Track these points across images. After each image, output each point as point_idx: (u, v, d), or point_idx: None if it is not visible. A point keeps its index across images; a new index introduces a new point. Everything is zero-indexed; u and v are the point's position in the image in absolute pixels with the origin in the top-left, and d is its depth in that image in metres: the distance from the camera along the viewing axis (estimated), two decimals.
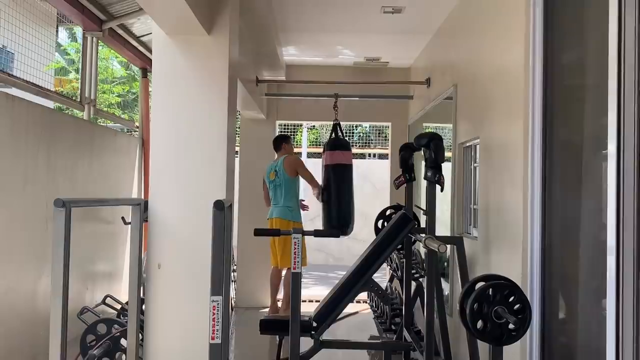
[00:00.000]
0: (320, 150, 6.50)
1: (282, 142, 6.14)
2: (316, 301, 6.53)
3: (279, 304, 6.11)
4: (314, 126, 13.56)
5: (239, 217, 6.87)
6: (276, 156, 6.10)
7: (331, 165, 5.66)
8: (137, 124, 7.10)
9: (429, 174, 3.40)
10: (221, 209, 2.28)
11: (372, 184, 11.12)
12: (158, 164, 3.48)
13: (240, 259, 6.91)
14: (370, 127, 13.47)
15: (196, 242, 3.34)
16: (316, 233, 3.25)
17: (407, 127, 6.87)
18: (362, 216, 10.97)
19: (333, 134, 5.88)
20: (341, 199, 5.67)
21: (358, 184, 11.19)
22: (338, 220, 5.69)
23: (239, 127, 7.20)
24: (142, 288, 3.42)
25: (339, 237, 3.54)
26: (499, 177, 3.52)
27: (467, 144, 4.41)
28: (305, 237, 4.33)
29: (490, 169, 3.73)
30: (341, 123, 5.99)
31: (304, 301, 6.95)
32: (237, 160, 6.97)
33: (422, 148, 3.54)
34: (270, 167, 6.03)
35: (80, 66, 5.69)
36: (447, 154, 4.50)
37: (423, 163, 3.94)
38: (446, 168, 4.06)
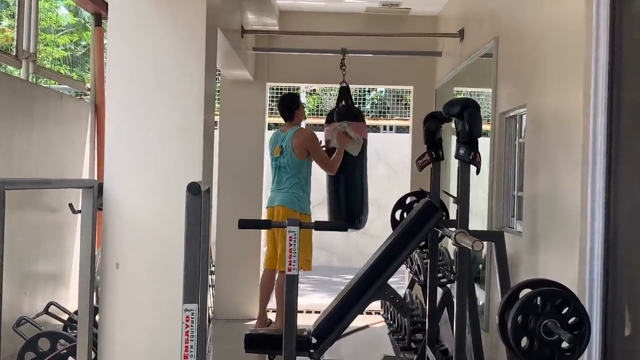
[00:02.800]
0: (323, 121, 6.47)
1: (295, 105, 5.84)
2: (316, 312, 6.55)
3: (269, 315, 6.13)
4: (314, 90, 13.55)
5: (218, 205, 6.87)
6: (284, 125, 5.86)
7: None
8: (88, 85, 7.08)
9: (461, 151, 3.40)
10: (197, 193, 2.28)
11: (388, 165, 11.13)
12: (116, 137, 3.48)
13: (219, 259, 6.94)
14: (386, 92, 13.44)
15: (165, 236, 3.35)
16: (318, 225, 3.25)
17: (433, 92, 6.85)
18: (375, 206, 11.02)
19: (341, 101, 5.86)
20: (351, 183, 5.68)
21: (370, 164, 11.21)
22: (348, 210, 5.70)
23: (218, 91, 7.18)
24: (95, 294, 3.43)
25: (346, 230, 3.55)
26: (551, 156, 3.52)
27: (511, 114, 4.40)
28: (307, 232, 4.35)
29: (539, 146, 3.72)
30: (350, 86, 5.97)
31: (301, 312, 6.96)
32: (215, 133, 6.96)
33: (453, 118, 3.53)
34: (275, 138, 5.82)
35: (16, 10, 5.65)
36: (485, 127, 4.49)
37: (454, 138, 3.92)
38: (483, 144, 4.05)
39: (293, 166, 5.62)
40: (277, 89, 10.45)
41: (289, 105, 5.86)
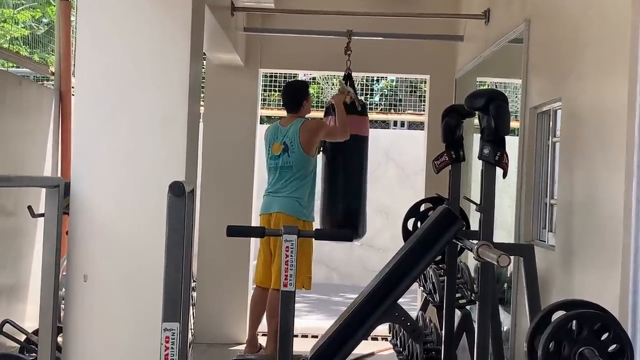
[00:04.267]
0: (322, 114, 6.47)
1: (304, 95, 5.83)
2: (313, 337, 6.55)
3: (260, 339, 6.13)
4: (314, 79, 13.55)
5: (201, 210, 6.88)
6: (286, 118, 5.84)
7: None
8: (52, 68, 7.09)
9: (485, 151, 3.41)
10: (180, 194, 2.30)
11: (399, 166, 11.14)
12: (85, 129, 3.49)
13: (201, 273, 6.94)
14: (398, 81, 13.46)
15: (142, 244, 3.37)
16: (319, 234, 3.26)
17: (453, 82, 6.86)
18: (382, 214, 11.11)
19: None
20: (350, 186, 5.69)
21: (378, 166, 11.31)
22: (345, 217, 5.71)
23: (203, 78, 7.18)
24: (59, 310, 3.43)
25: (351, 240, 3.56)
26: (589, 157, 3.53)
27: (544, 109, 4.41)
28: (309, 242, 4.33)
29: (576, 146, 3.73)
30: (354, 75, 5.97)
31: (296, 336, 6.96)
32: (200, 125, 6.97)
33: (477, 113, 3.54)
34: (274, 133, 5.77)
35: None
36: (513, 124, 4.50)
37: (477, 136, 3.93)
38: (511, 144, 4.06)
39: (300, 165, 5.58)
40: (272, 76, 10.45)
41: (298, 94, 5.84)
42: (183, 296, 2.43)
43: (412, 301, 7.49)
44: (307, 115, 5.97)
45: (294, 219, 5.46)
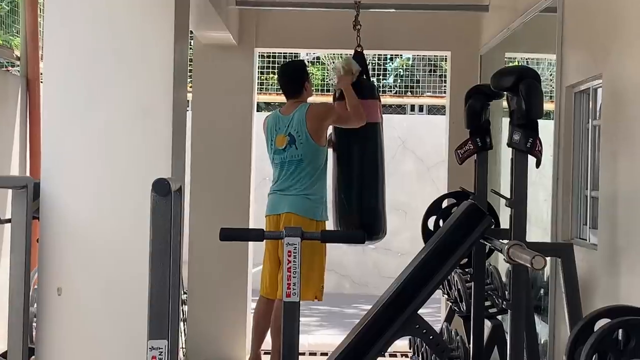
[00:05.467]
0: (330, 98, 6.45)
1: (304, 76, 5.82)
2: (322, 354, 6.57)
3: (263, 358, 6.14)
4: (318, 58, 13.53)
5: (191, 212, 6.89)
6: (287, 105, 5.83)
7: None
8: (17, 52, 7.10)
9: (516, 137, 3.41)
10: (165, 193, 2.31)
11: (418, 157, 11.15)
12: (56, 120, 3.49)
13: (193, 283, 6.95)
14: (415, 60, 13.44)
15: (123, 251, 3.37)
16: (325, 236, 3.27)
17: (477, 59, 6.86)
18: (400, 212, 11.08)
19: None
20: (364, 180, 5.69)
21: (393, 157, 11.29)
22: (360, 217, 5.71)
23: (191, 61, 7.19)
24: (30, 329, 3.44)
25: (363, 242, 3.56)
26: (636, 143, 3.53)
27: (582, 88, 4.41)
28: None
29: (621, 130, 3.73)
30: (366, 53, 5.97)
31: (303, 354, 6.96)
32: (188, 115, 6.97)
33: (505, 94, 3.54)
34: (275, 123, 5.73)
35: None
36: (547, 106, 4.50)
37: (506, 120, 3.93)
38: (545, 128, 4.05)
39: (310, 158, 5.55)
40: (269, 56, 10.44)
41: (297, 75, 5.81)
42: (171, 310, 2.44)
43: (435, 312, 7.50)
44: (309, 100, 5.95)
45: (307, 219, 5.45)
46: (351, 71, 5.70)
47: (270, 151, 5.77)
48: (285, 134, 5.62)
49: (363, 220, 5.72)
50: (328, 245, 5.66)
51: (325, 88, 13.55)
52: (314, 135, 5.55)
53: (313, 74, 13.05)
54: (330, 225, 5.89)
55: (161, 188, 2.31)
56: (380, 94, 6.50)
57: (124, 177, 3.42)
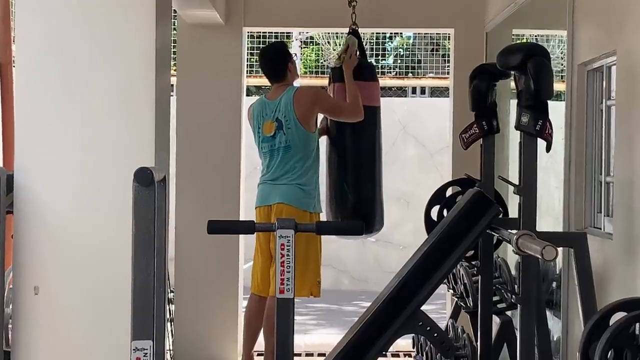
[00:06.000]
0: (325, 81, 6.44)
1: (286, 57, 5.83)
2: (320, 355, 6.57)
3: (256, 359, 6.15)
4: (311, 38, 13.52)
5: (177, 204, 6.89)
6: (272, 89, 5.84)
7: None
8: None
9: (524, 119, 3.41)
10: (148, 183, 2.31)
11: (420, 143, 11.15)
12: (30, 108, 3.48)
13: (180, 281, 6.96)
14: (416, 38, 13.43)
15: (104, 246, 3.37)
16: (321, 227, 3.27)
17: (483, 36, 6.85)
18: (401, 202, 11.08)
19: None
20: (360, 168, 5.70)
21: (393, 143, 11.27)
22: (358, 207, 5.72)
23: (174, 42, 7.18)
24: (6, 332, 3.43)
25: (361, 234, 3.56)
26: None
27: (595, 66, 4.41)
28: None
29: (637, 111, 3.73)
30: (362, 31, 5.96)
31: (299, 354, 6.96)
32: (172, 101, 6.95)
33: (512, 73, 3.53)
34: (262, 110, 5.73)
35: None
36: (558, 85, 4.50)
37: (514, 102, 3.92)
38: (556, 110, 4.05)
39: (300, 145, 5.54)
40: (259, 36, 10.42)
41: (278, 57, 5.82)
42: (156, 308, 2.43)
43: (440, 308, 7.51)
44: (296, 83, 5.95)
45: (300, 211, 5.45)
46: (354, 51, 5.70)
47: (258, 139, 5.75)
48: (272, 119, 5.60)
49: (361, 211, 5.73)
50: (324, 238, 5.67)
51: (320, 70, 13.53)
52: (302, 121, 5.54)
53: (302, 56, 13.03)
54: (324, 218, 5.90)
55: (143, 178, 2.31)
56: (379, 75, 6.50)
57: (104, 167, 3.42)
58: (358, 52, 5.74)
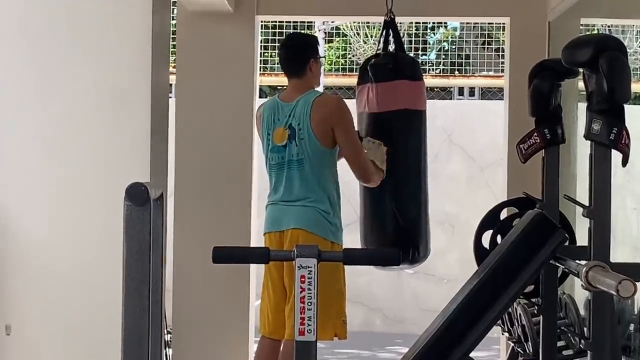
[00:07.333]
0: (354, 81, 6.44)
1: (311, 51, 5.72)
2: None
3: None
4: (337, 29, 13.56)
5: (175, 226, 6.90)
6: (288, 89, 5.77)
7: (381, 115, 5.73)
8: None
9: (595, 127, 3.40)
10: (143, 202, 2.31)
11: (468, 155, 11.13)
12: (2, 110, 3.50)
13: (179, 318, 6.97)
14: (464, 29, 13.44)
15: (87, 277, 3.38)
16: (349, 256, 3.24)
17: (545, 26, 6.85)
18: (445, 226, 11.03)
19: (383, 46, 5.88)
20: (402, 185, 5.70)
21: (436, 155, 11.23)
22: (395, 232, 5.70)
23: (174, 33, 7.21)
24: None
25: (398, 264, 3.54)
26: None
27: None
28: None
29: None
30: (400, 21, 5.96)
31: None
32: (171, 103, 6.97)
33: (581, 70, 3.52)
34: (273, 113, 5.61)
35: None
36: (636, 86, 4.47)
37: (582, 106, 3.90)
38: (633, 115, 4.02)
39: (315, 160, 5.48)
40: (274, 27, 10.46)
41: (302, 48, 5.72)
42: (151, 353, 2.43)
43: (494, 355, 7.49)
44: (318, 88, 5.91)
45: (320, 238, 5.32)
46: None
47: (266, 148, 5.65)
48: (285, 126, 5.51)
49: (399, 236, 5.70)
50: (353, 270, 5.64)
51: (347, 67, 13.55)
52: (318, 134, 5.45)
53: (325, 51, 13.01)
54: (356, 244, 5.88)
55: (137, 195, 2.32)
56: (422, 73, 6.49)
57: (88, 181, 3.43)
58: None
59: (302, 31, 9.01)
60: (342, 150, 5.57)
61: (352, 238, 5.98)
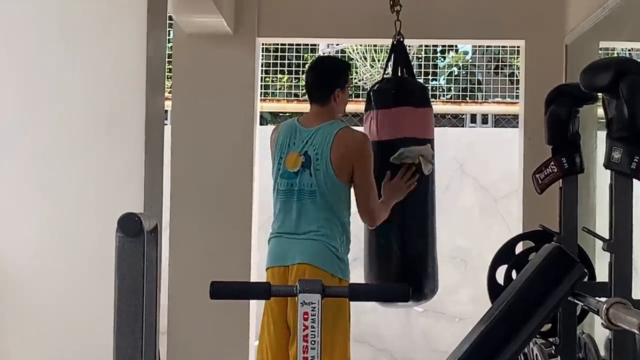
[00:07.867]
0: (360, 107, 6.46)
1: (343, 79, 5.65)
2: None
3: None
4: (342, 52, 13.58)
5: (171, 259, 6.89)
6: (309, 114, 5.70)
7: (387, 143, 5.74)
8: None
9: (616, 155, 3.41)
10: (136, 233, 2.31)
11: (481, 185, 11.12)
12: None
13: (173, 356, 6.95)
14: (476, 53, 13.46)
15: (75, 315, 3.38)
16: (355, 292, 3.26)
17: (562, 50, 6.87)
18: (457, 261, 10.99)
19: (392, 70, 5.89)
20: (409, 218, 5.72)
21: (447, 186, 11.21)
22: (402, 267, 5.71)
23: (170, 55, 7.24)
24: None
25: (407, 301, 3.54)
26: None
27: None
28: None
29: None
30: (409, 44, 5.99)
31: None
32: (166, 129, 6.98)
33: (601, 96, 3.55)
34: (290, 136, 5.56)
35: None
36: None
37: (602, 134, 3.91)
38: None
39: (328, 193, 5.42)
40: (277, 50, 10.49)
41: (329, 77, 5.65)
42: None
43: None
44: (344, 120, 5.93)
45: (327, 274, 5.28)
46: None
47: (276, 173, 5.61)
48: (300, 152, 5.48)
49: (408, 272, 5.71)
50: (358, 307, 5.64)
51: (352, 92, 13.53)
52: (337, 168, 5.39)
53: None
54: (360, 279, 5.89)
55: (130, 226, 2.32)
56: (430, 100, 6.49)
57: (79, 212, 3.43)
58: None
59: (295, 54, 8.96)
60: (355, 189, 5.51)
61: (359, 273, 5.98)
